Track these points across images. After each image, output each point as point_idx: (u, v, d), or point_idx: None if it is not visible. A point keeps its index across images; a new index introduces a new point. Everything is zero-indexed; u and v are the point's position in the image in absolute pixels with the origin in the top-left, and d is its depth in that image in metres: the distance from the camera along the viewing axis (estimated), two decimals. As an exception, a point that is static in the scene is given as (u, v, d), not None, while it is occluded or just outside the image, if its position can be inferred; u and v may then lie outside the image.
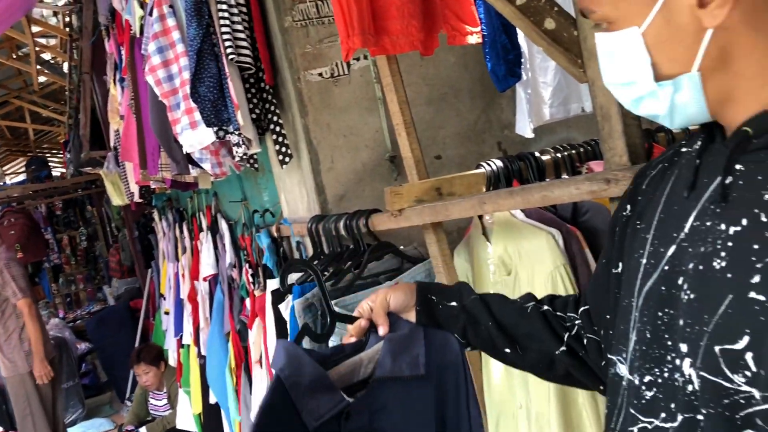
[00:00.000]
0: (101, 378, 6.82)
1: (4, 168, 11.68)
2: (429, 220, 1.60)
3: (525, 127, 1.75)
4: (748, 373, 0.59)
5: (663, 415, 0.70)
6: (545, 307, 1.05)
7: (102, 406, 6.51)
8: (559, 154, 1.73)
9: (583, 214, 1.54)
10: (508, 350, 1.05)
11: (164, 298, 4.93)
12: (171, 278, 4.62)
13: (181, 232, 4.25)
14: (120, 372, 6.08)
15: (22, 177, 12.31)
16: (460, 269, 1.78)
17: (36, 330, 4.49)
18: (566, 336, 1.01)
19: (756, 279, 0.59)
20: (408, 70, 2.19)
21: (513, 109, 2.38)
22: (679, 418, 0.68)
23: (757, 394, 0.59)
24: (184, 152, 2.39)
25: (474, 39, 1.68)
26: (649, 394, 0.72)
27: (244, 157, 2.23)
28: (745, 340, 0.59)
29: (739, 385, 0.60)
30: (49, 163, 10.34)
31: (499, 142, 2.37)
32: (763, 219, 0.61)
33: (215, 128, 2.12)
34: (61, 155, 11.81)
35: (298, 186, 2.33)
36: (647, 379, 0.73)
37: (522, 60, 1.69)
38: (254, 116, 2.19)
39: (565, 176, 1.73)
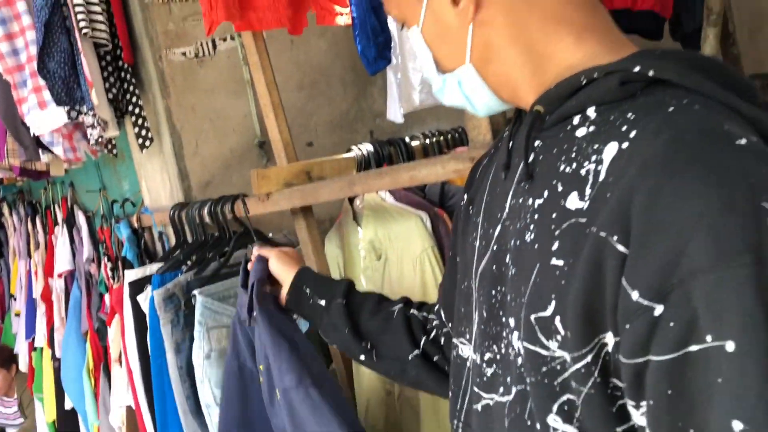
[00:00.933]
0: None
1: None
2: (298, 203, 1.55)
3: (396, 113, 1.74)
4: (559, 338, 0.62)
5: (501, 389, 0.72)
6: (411, 311, 1.09)
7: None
8: (427, 140, 1.74)
9: (450, 197, 1.55)
10: (362, 357, 1.11)
11: (14, 299, 4.55)
12: (22, 277, 4.26)
13: (34, 226, 3.93)
14: (-36, 382, 5.53)
15: None
16: (331, 256, 1.75)
17: None
18: (423, 340, 1.05)
19: (555, 246, 0.62)
20: (278, 54, 2.12)
21: (385, 99, 2.37)
22: (513, 390, 0.70)
23: (567, 356, 0.61)
24: (33, 135, 2.19)
25: (343, 20, 1.64)
26: (489, 370, 0.75)
27: (101, 140, 2.08)
28: (552, 305, 0.62)
29: (554, 351, 0.62)
30: None
31: (371, 131, 2.36)
32: (559, 189, 0.64)
33: (67, 108, 1.96)
34: None
35: (160, 172, 2.21)
36: (487, 356, 0.75)
37: (391, 43, 1.68)
38: (111, 96, 2.04)
39: (433, 161, 1.74)
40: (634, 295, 0.53)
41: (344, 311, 1.11)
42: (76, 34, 1.89)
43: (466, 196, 0.90)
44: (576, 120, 0.66)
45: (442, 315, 1.01)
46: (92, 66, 1.93)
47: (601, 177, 0.60)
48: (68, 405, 3.26)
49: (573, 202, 0.62)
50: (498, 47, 0.70)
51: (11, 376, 4.46)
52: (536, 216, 0.67)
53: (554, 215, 0.64)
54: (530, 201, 0.68)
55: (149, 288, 1.72)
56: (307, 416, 1.16)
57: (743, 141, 0.55)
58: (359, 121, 2.35)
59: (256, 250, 1.28)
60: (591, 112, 0.65)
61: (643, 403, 0.55)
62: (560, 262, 0.62)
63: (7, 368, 4.42)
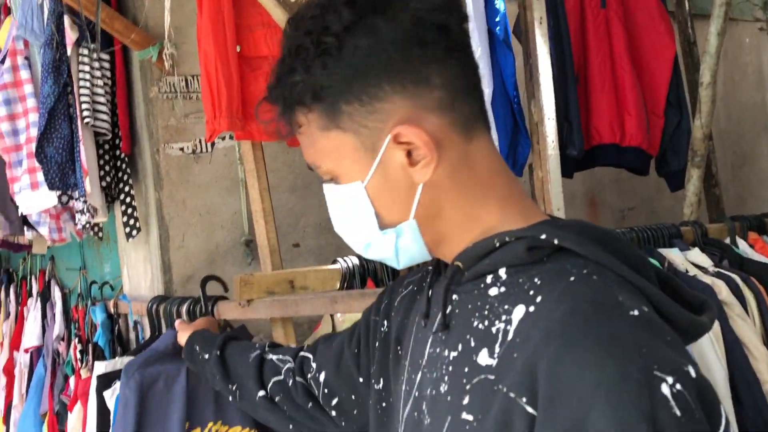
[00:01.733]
0: None
1: None
2: (278, 314, 1.55)
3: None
4: None
5: None
6: (269, 356, 1.21)
7: None
8: (413, 258, 1.75)
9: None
10: (231, 398, 1.27)
11: (-25, 368, 4.39)
12: (-13, 345, 4.13)
13: (7, 295, 3.85)
14: None
15: None
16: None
17: None
18: (271, 381, 1.17)
19: (466, 400, 0.65)
20: (274, 155, 2.17)
21: (374, 206, 2.42)
22: None
23: None
24: (20, 213, 2.19)
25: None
26: None
27: (87, 225, 2.08)
28: None
29: None
30: None
31: (358, 236, 2.38)
32: (472, 344, 0.67)
33: (59, 192, 1.97)
34: None
35: (144, 262, 2.20)
36: None
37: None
38: (104, 184, 2.06)
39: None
40: None
41: (218, 361, 1.26)
42: (78, 123, 1.93)
43: (386, 323, 0.93)
44: (489, 279, 0.70)
45: (308, 368, 1.10)
46: (90, 154, 1.96)
47: (510, 336, 0.63)
48: (15, 489, 3.09)
49: (483, 358, 0.65)
50: (441, 206, 0.74)
51: (-41, 449, 4.26)
52: (450, 368, 0.70)
53: (466, 369, 0.67)
54: (446, 352, 0.72)
55: (117, 384, 1.67)
56: None
57: (635, 312, 0.60)
58: (347, 226, 2.37)
59: (177, 323, 1.53)
60: (502, 272, 0.69)
61: None
62: (470, 417, 0.64)
63: (-44, 441, 4.22)
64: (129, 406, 1.43)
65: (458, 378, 0.68)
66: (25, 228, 2.40)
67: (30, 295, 3.46)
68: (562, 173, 2.04)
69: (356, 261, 1.70)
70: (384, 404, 0.90)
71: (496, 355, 0.64)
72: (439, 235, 0.76)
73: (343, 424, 1.07)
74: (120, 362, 1.85)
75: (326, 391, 1.07)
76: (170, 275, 2.05)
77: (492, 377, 0.63)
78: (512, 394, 0.60)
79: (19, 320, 3.54)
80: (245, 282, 1.59)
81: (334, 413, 1.07)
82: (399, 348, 0.88)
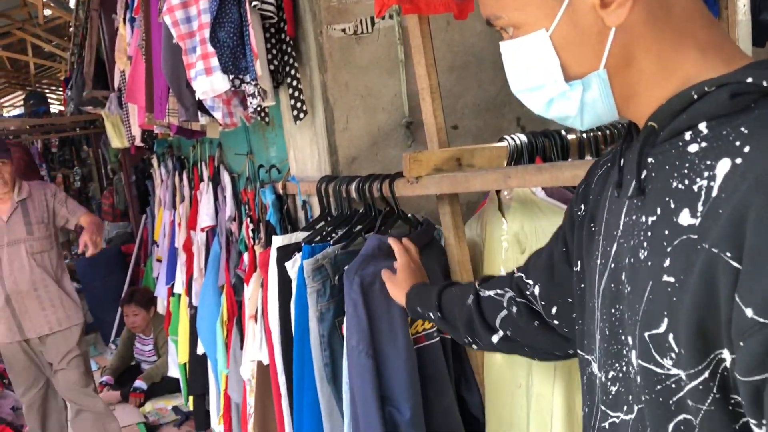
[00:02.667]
0: (87, 319, 6.80)
1: (2, 100, 11.52)
2: (448, 190, 1.56)
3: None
4: (673, 355, 0.62)
5: (625, 408, 0.74)
6: (483, 293, 1.21)
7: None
8: (584, 135, 1.69)
9: (606, 198, 1.50)
10: (475, 347, 1.30)
11: (157, 246, 4.90)
12: (166, 226, 4.58)
13: (181, 180, 4.20)
14: (107, 315, 6.06)
15: (19, 111, 12.16)
16: (470, 243, 1.75)
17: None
18: (498, 319, 1.16)
19: (667, 262, 0.64)
20: (433, 34, 2.12)
21: (535, 85, 2.33)
22: (635, 409, 0.71)
23: (683, 374, 0.61)
24: (196, 98, 2.33)
25: (510, 7, 1.62)
26: (613, 389, 0.76)
27: (258, 109, 2.17)
28: (665, 322, 0.63)
29: (669, 369, 0.63)
30: (48, 100, 10.18)
31: (518, 117, 2.32)
32: (672, 205, 0.65)
33: (231, 76, 2.06)
34: (61, 92, 11.64)
35: (310, 144, 2.28)
36: (611, 374, 0.76)
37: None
38: (272, 68, 2.13)
39: (589, 158, 1.69)
40: (749, 312, 0.53)
41: (441, 321, 1.32)
42: (246, 6, 1.98)
43: (583, 206, 0.91)
44: (688, 135, 0.65)
45: (524, 287, 1.10)
46: (258, 38, 2.02)
47: (714, 193, 0.60)
48: (200, 350, 3.49)
49: (685, 218, 0.62)
50: (633, 55, 0.69)
51: (149, 316, 4.84)
52: (649, 233, 0.68)
53: (666, 231, 0.65)
54: (643, 218, 0.70)
55: (297, 255, 1.80)
56: (353, 375, 1.52)
57: None
58: (507, 106, 2.31)
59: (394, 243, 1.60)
60: (703, 126, 0.64)
61: (765, 422, 0.54)
62: (672, 279, 0.63)
63: (146, 309, 4.79)
64: (357, 305, 1.55)
65: (658, 241, 0.66)
66: (199, 114, 2.55)
67: (201, 180, 3.74)
68: (754, 42, 1.85)
69: (524, 138, 1.66)
70: (582, 285, 0.89)
71: (699, 214, 0.61)
72: (630, 89, 0.71)
73: (565, 330, 1.05)
74: (295, 237, 1.98)
75: (544, 302, 1.06)
76: (336, 156, 2.12)
77: (695, 236, 0.60)
78: (716, 250, 0.57)
79: (194, 203, 3.87)
80: (414, 159, 1.61)
81: (556, 322, 1.05)
82: (592, 225, 0.86)
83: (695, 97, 0.65)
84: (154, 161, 5.17)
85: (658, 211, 0.67)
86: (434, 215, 1.92)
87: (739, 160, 0.58)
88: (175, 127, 3.06)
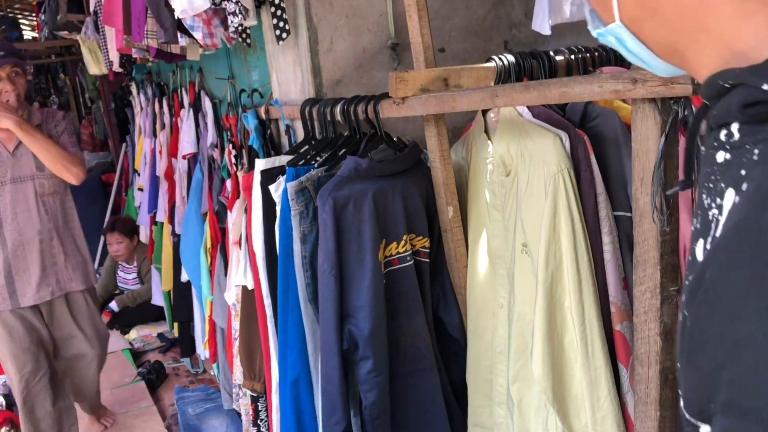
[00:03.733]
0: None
1: (-28, 25, 11.10)
2: (434, 110, 1.54)
3: (543, 23, 1.67)
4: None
5: None
6: None
7: (69, 276, 6.50)
8: (572, 56, 1.66)
9: (592, 119, 1.50)
10: None
11: (138, 174, 4.84)
12: (147, 154, 4.51)
13: (161, 107, 4.12)
14: (89, 245, 6.03)
15: (-10, 37, 11.74)
16: (455, 166, 1.75)
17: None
18: None
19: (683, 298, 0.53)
20: (420, -48, 2.06)
21: (523, 8, 2.28)
22: None
23: None
24: (175, 18, 2.25)
25: None
26: None
27: (239, 28, 2.11)
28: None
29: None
30: (20, 25, 9.83)
31: (506, 41, 2.28)
32: (698, 226, 0.52)
33: (212, -7, 1.99)
34: (34, 17, 11.23)
35: (293, 66, 2.23)
36: None
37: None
38: (253, -15, 2.06)
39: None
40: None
41: None
42: None
43: None
44: (723, 134, 0.50)
45: None
46: (239, -48, 1.94)
47: (717, 232, 0.47)
48: (184, 278, 3.51)
49: (699, 250, 0.50)
50: (655, 5, 0.54)
51: (132, 245, 4.83)
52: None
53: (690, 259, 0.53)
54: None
55: (281, 178, 1.78)
56: (320, 294, 1.58)
57: None
58: (495, 29, 2.27)
59: None
60: (735, 129, 0.48)
61: None
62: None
63: (129, 238, 4.78)
64: (327, 226, 1.57)
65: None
66: (179, 35, 2.48)
67: (182, 106, 3.67)
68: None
69: (512, 59, 1.64)
70: None
71: (704, 253, 0.48)
72: (666, 45, 0.56)
73: None
74: (278, 160, 1.97)
75: None
76: (320, 79, 2.08)
77: (696, 282, 0.48)
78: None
79: (174, 130, 3.81)
80: (400, 79, 1.58)
81: None
82: None
83: (728, 85, 0.48)
84: (133, 88, 5.06)
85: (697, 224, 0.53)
86: (421, 140, 1.91)
87: (737, 199, 0.46)
88: (154, 50, 2.97)
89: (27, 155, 2.83)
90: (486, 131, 1.68)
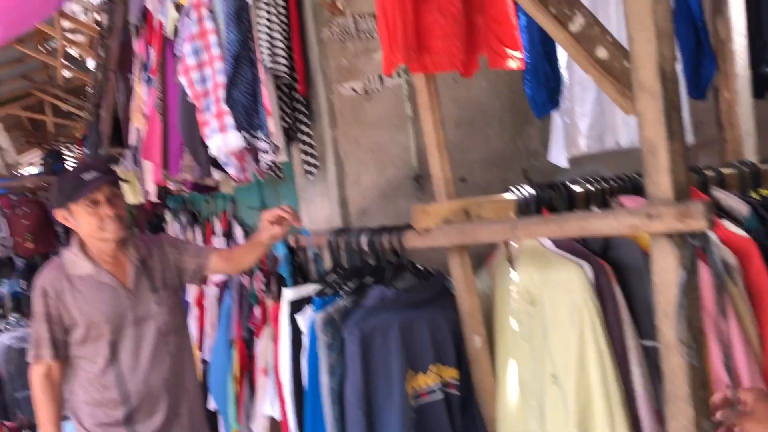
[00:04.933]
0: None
1: (21, 158, 11.74)
2: (456, 241, 1.59)
3: (559, 156, 1.74)
4: None
5: None
6: None
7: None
8: (590, 186, 1.71)
9: (613, 249, 1.52)
10: None
11: (170, 300, 4.90)
12: (179, 280, 4.59)
13: (194, 234, 4.25)
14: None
15: (37, 168, 12.37)
16: (480, 295, 1.76)
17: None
18: None
19: None
20: (439, 90, 2.18)
21: (541, 139, 2.37)
22: None
23: None
24: (210, 155, 2.39)
25: (515, 64, 1.67)
26: None
27: (270, 164, 2.23)
28: None
29: None
30: (64, 157, 10.38)
31: (525, 170, 2.36)
32: None
33: (245, 133, 2.12)
34: (77, 150, 11.85)
35: (320, 197, 2.32)
36: None
37: (561, 89, 1.69)
38: (284, 125, 2.19)
39: (595, 209, 1.71)
40: None
41: None
42: (260, 67, 2.05)
43: None
44: None
45: None
46: (272, 97, 2.08)
47: None
48: (212, 406, 3.46)
49: None
50: None
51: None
52: None
53: None
54: None
55: (308, 308, 1.81)
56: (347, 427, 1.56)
57: None
58: (514, 159, 2.35)
59: None
60: None
61: None
62: None
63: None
64: (354, 358, 1.59)
65: None
66: (213, 170, 2.61)
67: (214, 233, 3.79)
68: (753, 94, 1.89)
69: (531, 191, 1.69)
70: None
71: None
72: None
73: None
74: (306, 290, 2.01)
75: None
76: (347, 209, 2.16)
77: None
78: None
79: (206, 257, 3.90)
80: (423, 211, 1.64)
81: None
82: None
83: None
84: (168, 216, 5.24)
85: None
86: (446, 268, 1.94)
87: None
88: (189, 183, 3.12)
89: (145, 290, 2.32)
90: (509, 260, 1.70)
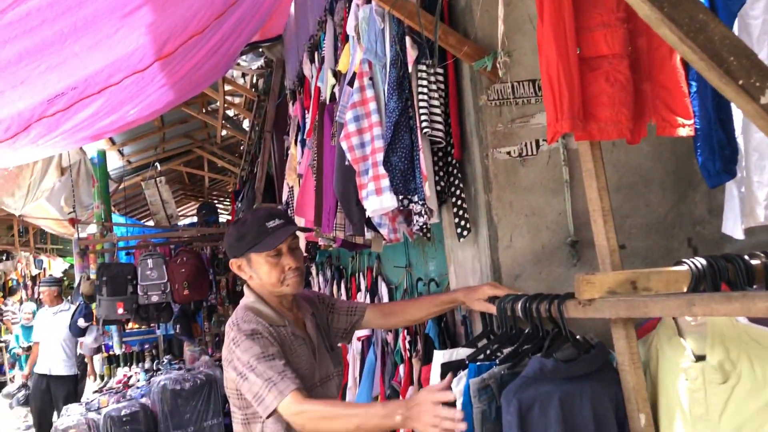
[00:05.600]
0: None
1: (179, 210, 12.75)
2: (624, 314, 1.53)
3: (735, 227, 1.63)
4: None
5: None
6: None
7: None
8: (771, 260, 1.59)
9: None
10: None
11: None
12: (321, 333, 4.73)
13: (339, 289, 4.37)
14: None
15: (191, 219, 13.38)
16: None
17: None
18: None
19: None
20: (598, 155, 2.15)
21: (707, 206, 2.25)
22: None
23: None
24: (366, 216, 2.47)
25: (685, 131, 1.61)
26: None
27: (423, 226, 2.27)
28: None
29: None
30: (218, 210, 11.15)
31: (689, 238, 2.24)
32: None
33: (401, 196, 2.18)
34: (229, 203, 12.71)
35: (472, 260, 2.33)
36: None
37: (737, 157, 1.60)
38: (438, 188, 2.23)
39: (778, 285, 1.59)
40: None
41: None
42: (418, 133, 2.12)
43: None
44: None
45: None
46: (428, 161, 2.14)
47: None
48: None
49: None
50: None
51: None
52: None
53: None
54: None
55: (462, 373, 1.80)
56: None
57: None
58: (677, 226, 2.25)
59: None
60: None
61: None
62: None
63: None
64: (513, 428, 1.56)
65: None
66: (365, 228, 2.70)
67: (359, 289, 3.88)
68: None
69: (704, 262, 1.60)
70: None
71: None
72: None
73: None
74: (456, 353, 2.00)
75: None
76: (499, 273, 2.14)
77: None
78: None
79: (350, 312, 4.00)
80: (587, 281, 1.59)
81: None
82: None
83: None
84: (313, 269, 5.45)
85: None
86: (602, 336, 1.87)
87: None
88: (340, 241, 3.24)
89: (323, 348, 2.25)
90: (679, 333, 1.61)
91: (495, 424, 1.65)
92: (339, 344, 2.46)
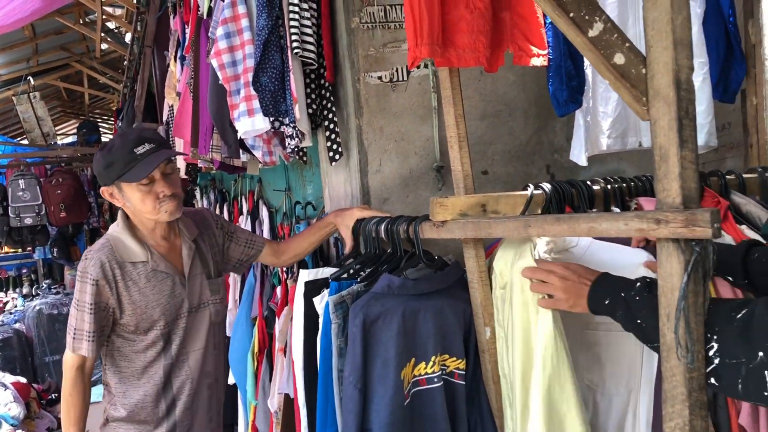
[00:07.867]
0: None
1: (57, 128, 11.99)
2: (471, 235, 1.61)
3: (580, 155, 1.75)
4: None
5: None
6: None
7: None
8: (609, 186, 1.72)
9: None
10: None
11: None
12: (205, 256, 4.69)
13: (221, 212, 4.33)
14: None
15: (72, 139, 12.63)
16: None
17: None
18: None
19: None
20: (465, 83, 2.20)
21: (566, 134, 2.38)
22: None
23: None
24: (238, 137, 2.44)
25: (539, 61, 1.68)
26: None
27: (296, 149, 2.27)
28: None
29: None
30: (100, 129, 10.58)
31: (548, 165, 2.37)
32: None
33: (272, 118, 2.16)
34: (112, 122, 12.07)
35: (344, 184, 2.37)
36: None
37: (584, 87, 1.69)
38: (310, 111, 2.23)
39: (614, 209, 1.73)
40: None
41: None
42: (288, 53, 2.09)
43: None
44: None
45: None
46: (299, 83, 2.12)
47: None
48: (231, 380, 3.55)
49: None
50: None
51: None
52: None
53: None
54: None
55: (326, 291, 1.86)
56: (342, 404, 1.62)
57: None
58: (537, 153, 2.37)
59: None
60: None
61: None
62: None
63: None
64: (356, 339, 1.63)
65: None
66: (241, 152, 2.67)
67: (241, 213, 3.86)
68: (782, 100, 1.88)
69: (548, 187, 1.71)
70: None
71: None
72: None
73: None
74: (322, 272, 2.05)
75: None
76: (368, 197, 2.19)
77: None
78: None
79: (232, 235, 3.98)
80: (440, 204, 1.67)
81: None
82: None
83: None
84: (197, 193, 5.34)
85: None
86: (461, 257, 1.97)
87: None
88: (218, 162, 3.18)
89: (199, 276, 2.19)
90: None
91: (348, 337, 1.73)
92: (226, 272, 2.40)
